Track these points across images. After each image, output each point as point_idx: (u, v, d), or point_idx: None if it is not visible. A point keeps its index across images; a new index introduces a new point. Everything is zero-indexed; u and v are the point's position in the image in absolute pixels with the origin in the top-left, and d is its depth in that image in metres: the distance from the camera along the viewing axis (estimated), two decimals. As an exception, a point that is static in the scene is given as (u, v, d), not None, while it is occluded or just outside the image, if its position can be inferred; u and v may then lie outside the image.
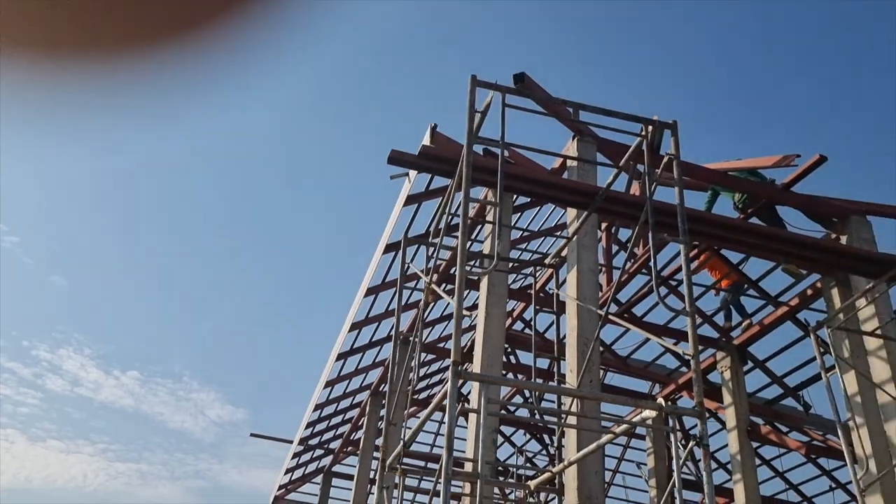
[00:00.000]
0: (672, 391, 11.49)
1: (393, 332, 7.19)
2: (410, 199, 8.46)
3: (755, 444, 11.74)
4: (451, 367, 4.17)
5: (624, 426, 4.83)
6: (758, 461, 12.46)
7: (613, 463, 14.02)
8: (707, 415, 12.91)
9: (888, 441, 7.09)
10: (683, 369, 11.51)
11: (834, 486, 12.26)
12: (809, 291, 8.97)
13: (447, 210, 6.15)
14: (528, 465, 13.49)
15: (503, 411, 14.23)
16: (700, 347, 10.87)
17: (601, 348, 11.96)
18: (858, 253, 7.29)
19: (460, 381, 11.65)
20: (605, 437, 5.02)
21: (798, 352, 10.67)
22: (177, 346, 55.48)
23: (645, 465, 12.53)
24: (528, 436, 14.03)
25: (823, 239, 8.02)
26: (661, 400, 4.48)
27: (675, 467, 4.26)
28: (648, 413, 4.52)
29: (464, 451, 7.00)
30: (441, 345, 12.29)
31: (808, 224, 8.40)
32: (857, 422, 7.38)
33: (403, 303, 10.75)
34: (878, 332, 7.24)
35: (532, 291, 7.53)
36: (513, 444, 14.73)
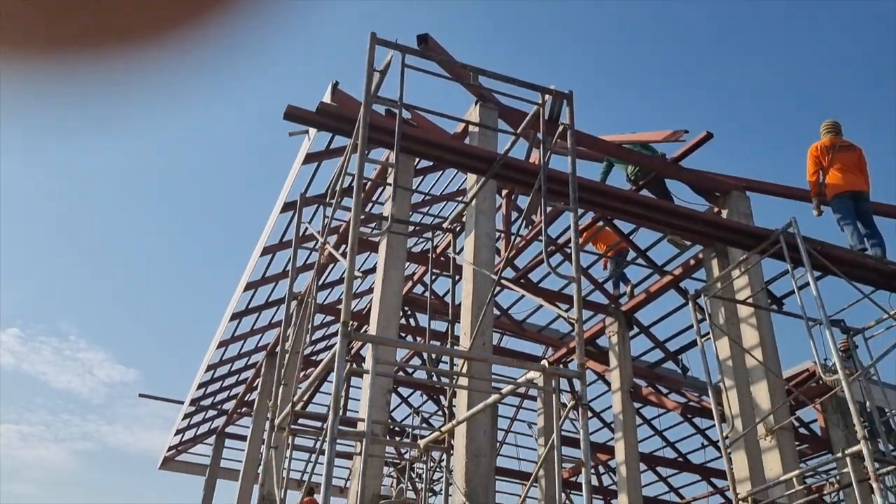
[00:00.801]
0: (564, 354, 11.95)
1: (289, 293, 7.07)
2: (310, 158, 8.29)
3: (637, 405, 12.43)
4: (340, 328, 4.15)
5: (510, 387, 4.99)
6: (639, 420, 13.21)
7: (507, 423, 14.51)
8: (595, 377, 13.50)
9: (753, 402, 7.65)
10: (573, 334, 11.97)
11: (706, 443, 13.18)
12: (692, 262, 9.48)
13: (345, 170, 6.07)
14: (424, 425, 13.71)
15: (401, 373, 14.40)
16: (590, 313, 11.41)
17: (498, 312, 12.29)
18: (736, 226, 7.74)
19: (357, 343, 11.66)
20: (492, 398, 5.17)
21: (679, 318, 11.33)
22: (64, 305, 52.61)
23: (535, 424, 13.02)
24: (426, 397, 14.26)
25: (706, 212, 8.46)
26: (545, 362, 4.63)
27: (555, 424, 4.44)
28: (533, 374, 4.68)
29: (358, 412, 7.05)
30: (340, 307, 12.22)
31: (694, 197, 8.85)
32: (727, 384, 7.92)
33: (303, 264, 10.62)
34: (750, 300, 7.76)
35: (431, 255, 7.58)
36: (410, 405, 14.94)
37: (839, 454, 6.07)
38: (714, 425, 7.81)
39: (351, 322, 4.20)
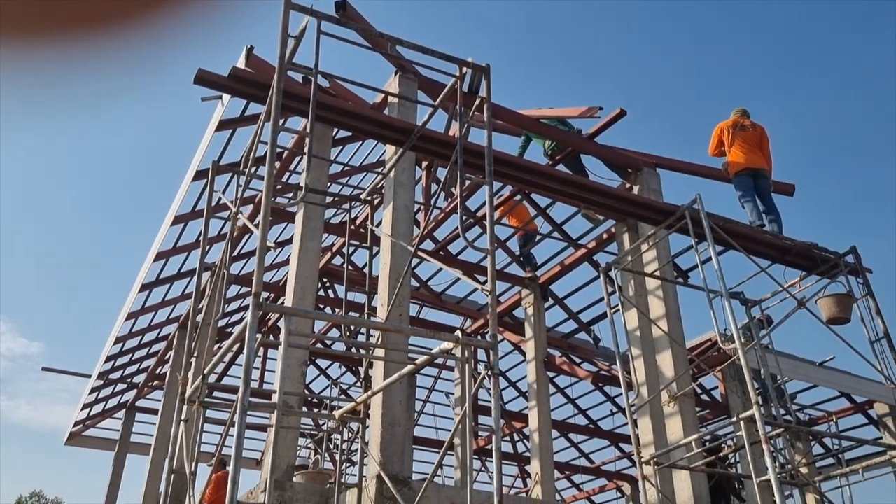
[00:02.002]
0: (482, 325, 12.14)
1: (200, 264, 6.87)
2: (223, 125, 8.03)
3: (551, 374, 12.80)
4: (252, 299, 4.08)
5: (425, 357, 5.04)
6: (552, 389, 13.63)
7: (426, 393, 14.68)
8: (512, 348, 13.78)
9: (658, 370, 8.02)
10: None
11: (615, 410, 13.73)
12: (605, 236, 9.78)
13: (258, 138, 5.91)
14: (342, 396, 13.70)
15: (320, 345, 14.32)
16: (507, 285, 11.63)
17: (417, 284, 12.35)
18: (645, 202, 8.01)
19: (275, 315, 11.47)
20: (407, 368, 5.21)
21: (592, 291, 11.70)
22: (-42, 275, 49.38)
23: (453, 394, 13.24)
24: (344, 368, 14.24)
25: (618, 188, 8.72)
26: (459, 332, 4.70)
27: (467, 394, 4.53)
28: (447, 344, 4.74)
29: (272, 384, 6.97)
30: (257, 278, 11.97)
31: (608, 173, 9.10)
32: (634, 353, 8.26)
33: (217, 234, 10.32)
34: (657, 273, 8.09)
35: (348, 226, 7.51)
36: (328, 377, 14.90)
37: (734, 418, 6.45)
38: (622, 393, 8.18)
39: (266, 293, 4.14)
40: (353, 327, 11.42)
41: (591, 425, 14.76)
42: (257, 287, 4.13)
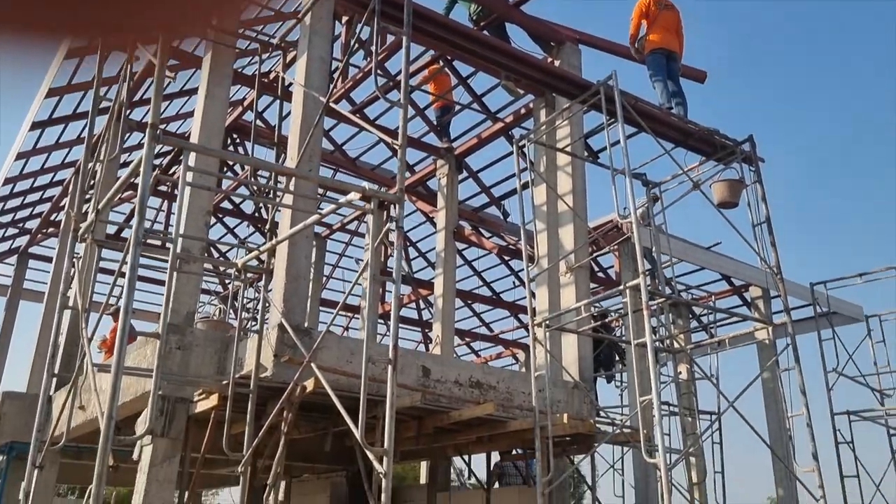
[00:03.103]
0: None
1: (95, 98, 6.46)
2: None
3: (460, 246, 13.13)
4: (148, 130, 3.91)
5: (332, 206, 5.04)
6: (461, 261, 14.02)
7: (335, 259, 14.81)
8: (424, 219, 13.91)
9: (560, 243, 8.35)
10: (408, 174, 12.18)
11: (517, 283, 14.33)
12: (523, 111, 9.80)
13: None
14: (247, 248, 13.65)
15: (228, 203, 14.04)
16: (423, 155, 11.60)
17: (332, 147, 12.13)
18: (564, 74, 8.02)
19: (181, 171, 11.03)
20: (313, 218, 5.21)
21: (506, 166, 11.85)
22: None
23: (363, 260, 13.40)
24: (252, 229, 14.10)
25: (540, 59, 8.67)
26: (366, 184, 4.69)
27: (372, 243, 4.61)
28: (353, 195, 4.75)
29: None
30: (164, 125, 11.43)
31: (532, 47, 8.99)
32: (539, 227, 8.55)
33: (117, 74, 9.66)
34: (568, 149, 8.24)
35: (258, 76, 7.19)
36: (236, 236, 14.75)
37: (622, 287, 6.86)
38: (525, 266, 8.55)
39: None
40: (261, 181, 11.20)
41: (494, 296, 15.40)
42: (154, 118, 3.96)
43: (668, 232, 9.06)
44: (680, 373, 9.73)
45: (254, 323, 11.39)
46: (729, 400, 6.71)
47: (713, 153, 7.97)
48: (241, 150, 12.71)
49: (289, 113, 7.15)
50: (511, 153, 10.89)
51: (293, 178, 6.03)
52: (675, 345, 9.05)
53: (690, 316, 12.47)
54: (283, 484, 11.71)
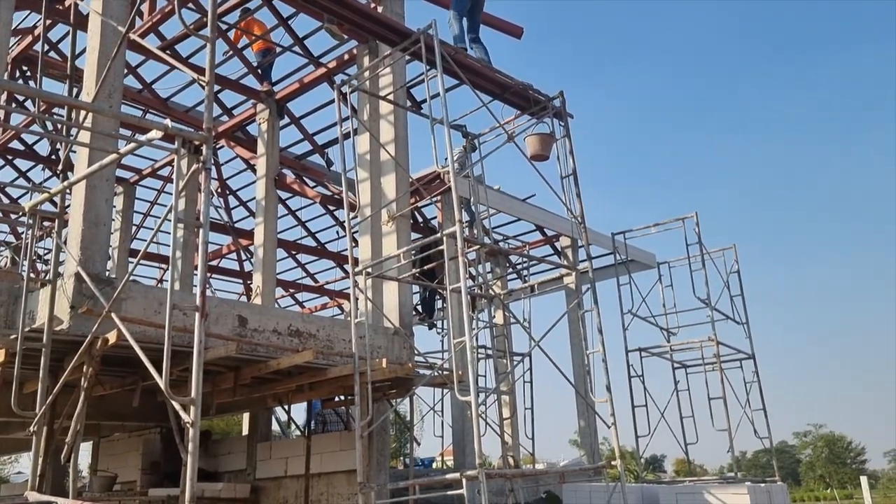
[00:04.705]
0: (213, 137, 11.52)
1: None
2: None
3: (283, 195, 12.80)
4: None
5: (131, 145, 4.68)
6: (284, 211, 13.69)
7: (147, 207, 13.87)
8: (244, 166, 13.38)
9: (382, 192, 8.40)
10: (224, 118, 11.57)
11: (342, 233, 14.27)
12: (346, 57, 9.63)
13: None
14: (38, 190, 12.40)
15: (19, 144, 12.59)
16: (242, 98, 11.08)
17: (141, 86, 11.21)
18: (387, 21, 7.97)
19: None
20: (110, 157, 4.82)
21: (329, 113, 11.65)
22: None
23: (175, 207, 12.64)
24: (49, 172, 12.79)
25: (363, 4, 8.53)
26: (168, 122, 4.40)
27: (178, 184, 4.35)
28: (155, 133, 4.45)
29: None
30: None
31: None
32: (361, 176, 8.53)
33: None
34: (391, 97, 8.24)
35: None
36: (28, 179, 13.36)
37: (440, 234, 7.06)
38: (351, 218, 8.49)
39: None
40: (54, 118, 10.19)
41: (319, 247, 15.24)
42: None
43: (486, 184, 9.43)
44: (495, 317, 10.29)
45: (45, 271, 10.45)
46: (535, 340, 7.21)
47: (527, 107, 8.34)
48: (32, 83, 11.39)
49: (85, 49, 6.51)
50: (334, 100, 10.73)
51: (90, 115, 5.52)
52: (492, 292, 9.51)
53: (507, 265, 13.15)
54: (90, 445, 11.01)
